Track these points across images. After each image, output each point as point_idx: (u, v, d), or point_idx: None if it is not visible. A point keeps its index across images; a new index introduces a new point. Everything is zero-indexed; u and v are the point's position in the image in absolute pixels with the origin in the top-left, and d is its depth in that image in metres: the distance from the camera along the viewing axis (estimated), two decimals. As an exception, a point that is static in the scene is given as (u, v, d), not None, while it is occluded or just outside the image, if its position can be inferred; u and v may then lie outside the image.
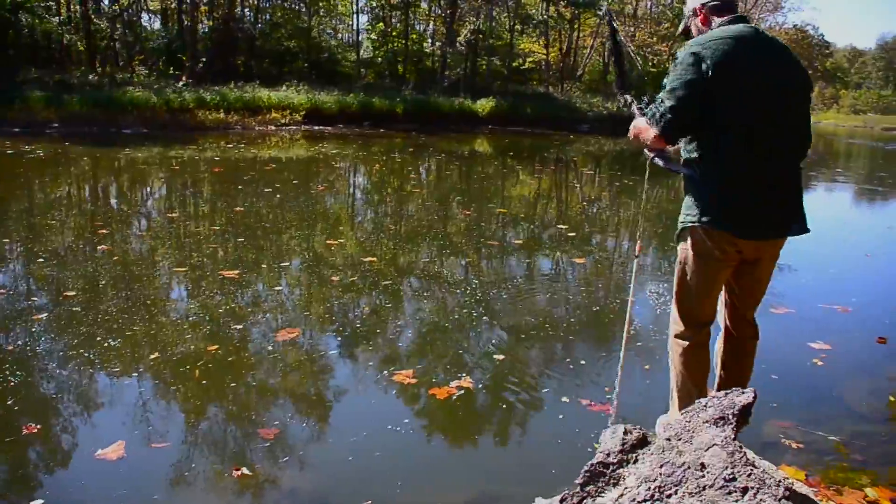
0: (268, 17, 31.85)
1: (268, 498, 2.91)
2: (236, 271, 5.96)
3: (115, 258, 6.32)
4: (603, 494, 1.87)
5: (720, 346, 3.06)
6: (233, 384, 3.86)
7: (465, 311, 5.28)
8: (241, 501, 2.87)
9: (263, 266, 6.33)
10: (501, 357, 4.39)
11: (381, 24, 34.83)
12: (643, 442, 2.00)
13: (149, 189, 11.24)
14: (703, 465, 1.80)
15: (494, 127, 27.84)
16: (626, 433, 2.01)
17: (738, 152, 2.59)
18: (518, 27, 35.76)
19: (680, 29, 2.98)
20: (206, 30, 29.41)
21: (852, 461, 3.23)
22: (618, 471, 1.92)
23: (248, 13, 31.34)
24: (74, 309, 4.88)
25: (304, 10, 32.28)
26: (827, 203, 13.32)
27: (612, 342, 4.91)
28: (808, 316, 5.50)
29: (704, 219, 2.66)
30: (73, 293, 5.21)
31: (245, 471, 3.02)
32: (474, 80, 32.79)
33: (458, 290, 5.80)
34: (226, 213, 8.74)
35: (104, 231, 7.39)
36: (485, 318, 5.18)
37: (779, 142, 2.64)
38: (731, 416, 1.98)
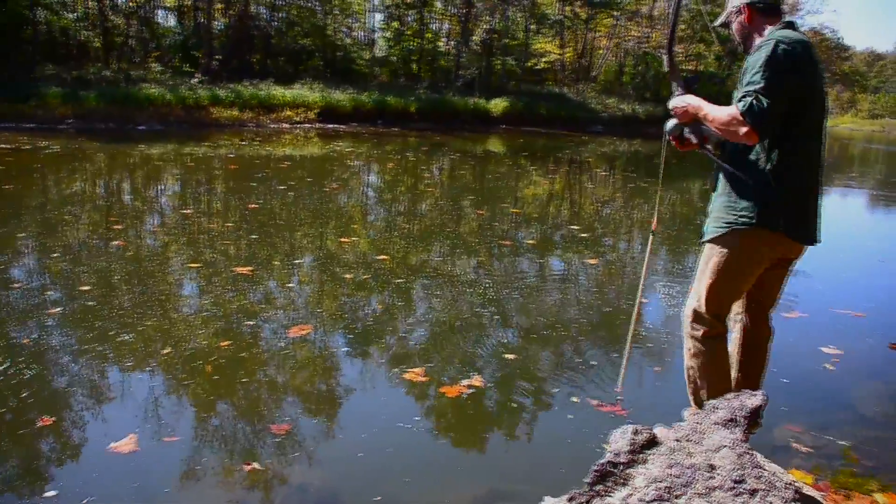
0: (283, 14, 31.94)
1: (278, 493, 2.93)
2: (249, 268, 5.99)
3: (130, 254, 6.38)
4: (612, 494, 1.88)
5: (737, 347, 3.06)
6: (244, 380, 3.89)
7: (476, 310, 5.30)
8: (252, 496, 2.89)
9: (276, 263, 6.36)
10: (512, 357, 4.39)
11: (395, 22, 34.85)
12: (652, 442, 2.01)
13: (163, 185, 11.31)
14: (712, 467, 1.81)
15: (508, 127, 27.83)
16: (635, 433, 2.02)
17: (804, 157, 2.64)
18: (533, 27, 35.71)
19: (720, 21, 2.96)
20: (222, 27, 29.53)
21: (862, 466, 3.21)
22: (627, 471, 1.93)
23: (264, 11, 31.43)
24: (89, 303, 4.93)
25: (319, 8, 32.35)
26: (841, 208, 13.23)
27: (623, 344, 4.90)
28: (820, 321, 5.48)
29: (763, 219, 2.64)
30: (87, 288, 5.26)
31: (256, 466, 3.05)
32: (489, 79, 32.75)
33: (469, 290, 5.81)
34: (239, 209, 8.78)
35: (119, 227, 7.46)
36: (496, 317, 5.19)
37: (821, 148, 2.74)
38: (741, 419, 1.98)
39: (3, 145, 13.62)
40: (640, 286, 3.48)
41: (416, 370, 4.08)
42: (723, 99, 2.86)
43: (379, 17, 36.85)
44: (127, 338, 4.34)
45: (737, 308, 3.03)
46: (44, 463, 3.07)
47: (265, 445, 3.26)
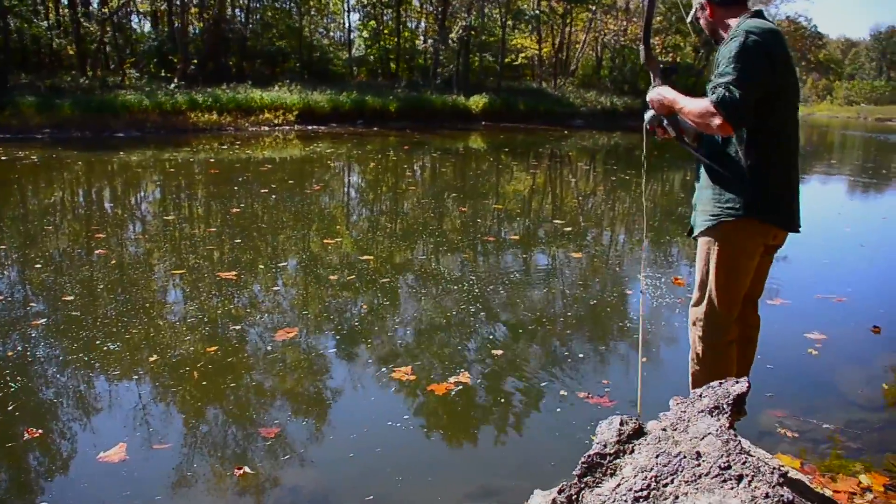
0: (258, 17, 31.82)
1: (270, 496, 2.94)
2: (233, 272, 5.98)
3: (113, 262, 6.34)
4: (600, 485, 1.90)
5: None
6: (232, 384, 3.88)
7: (462, 307, 5.31)
8: (244, 500, 2.90)
9: (261, 267, 6.35)
10: (499, 352, 4.42)
11: (372, 21, 34.84)
12: (639, 432, 2.03)
13: (144, 192, 11.24)
14: (698, 454, 1.83)
15: (488, 123, 27.89)
16: (622, 424, 2.04)
17: (782, 146, 2.66)
18: (510, 23, 35.77)
19: (689, 19, 2.98)
20: (197, 31, 29.37)
21: (847, 449, 3.27)
22: (615, 461, 1.95)
23: (239, 13, 31.31)
24: (73, 313, 4.90)
25: (294, 9, 32.25)
26: (822, 194, 13.37)
27: (609, 335, 4.95)
28: (803, 307, 5.54)
29: (750, 211, 2.65)
30: (71, 298, 5.22)
31: (247, 470, 3.05)
32: (467, 76, 32.81)
33: (455, 287, 5.82)
34: (222, 214, 8.75)
35: (101, 235, 7.41)
36: (482, 313, 5.21)
37: (796, 136, 2.76)
38: (725, 406, 2.01)
39: (-21, 157, 13.48)
40: (641, 310, 3.50)
41: (404, 369, 4.09)
42: (699, 90, 2.88)
43: (355, 16, 36.80)
44: (112, 346, 4.32)
45: None
46: (32, 476, 3.06)
47: (255, 449, 3.26)
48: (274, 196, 10.01)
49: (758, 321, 3.00)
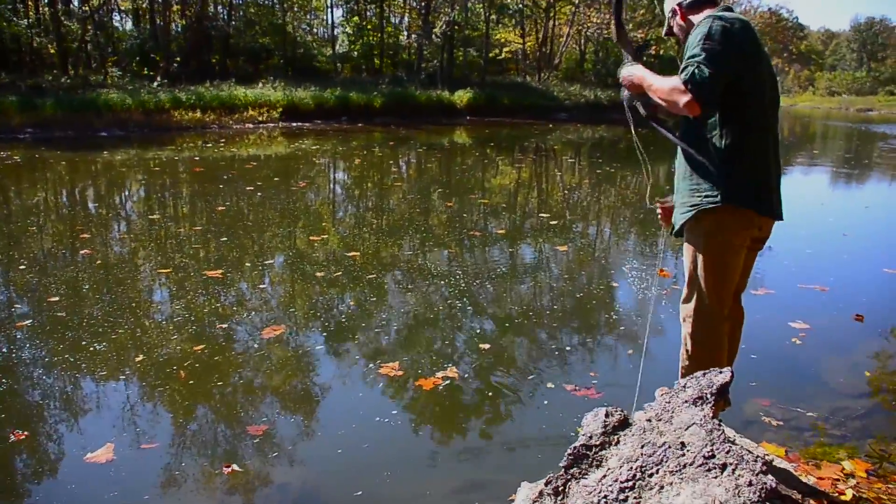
0: (241, 14, 31.64)
1: (259, 494, 2.94)
2: (220, 271, 5.96)
3: (98, 262, 6.30)
4: (587, 476, 1.92)
5: None
6: (220, 383, 3.88)
7: (449, 301, 5.32)
8: (233, 498, 2.90)
9: (247, 264, 6.33)
10: (486, 346, 4.43)
11: (355, 17, 34.71)
12: (624, 423, 2.05)
13: (128, 191, 11.17)
14: (683, 444, 1.85)
15: (473, 118, 27.89)
16: (607, 415, 2.06)
17: (758, 134, 2.64)
18: (494, 17, 35.78)
19: (665, 30, 2.97)
20: (180, 29, 29.18)
21: (830, 436, 3.31)
22: (601, 452, 1.97)
23: (222, 11, 31.11)
24: (59, 314, 4.87)
25: (277, 6, 32.10)
26: (805, 184, 13.47)
27: (596, 328, 4.97)
28: (787, 296, 5.59)
29: (728, 198, 2.63)
30: (56, 299, 5.19)
31: (235, 468, 3.05)
32: (451, 71, 32.80)
33: (441, 282, 5.83)
34: (207, 212, 8.71)
35: (86, 235, 7.36)
36: (469, 308, 5.23)
37: (774, 124, 2.75)
38: (709, 396, 2.03)
39: (-40, 158, 13.35)
40: (649, 319, 3.51)
41: (391, 364, 4.10)
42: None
43: (339, 12, 36.68)
44: (99, 347, 4.30)
45: None
46: (19, 478, 3.05)
47: (244, 447, 3.26)
48: (259, 194, 9.98)
49: (741, 314, 3.01)
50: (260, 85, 24.83)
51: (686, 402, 2.02)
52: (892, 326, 4.97)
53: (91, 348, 4.28)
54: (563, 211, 9.76)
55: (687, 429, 1.90)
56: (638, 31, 36.78)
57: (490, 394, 3.82)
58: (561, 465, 1.96)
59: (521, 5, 35.67)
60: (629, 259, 6.81)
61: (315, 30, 39.13)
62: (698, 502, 1.69)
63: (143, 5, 29.43)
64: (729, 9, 2.71)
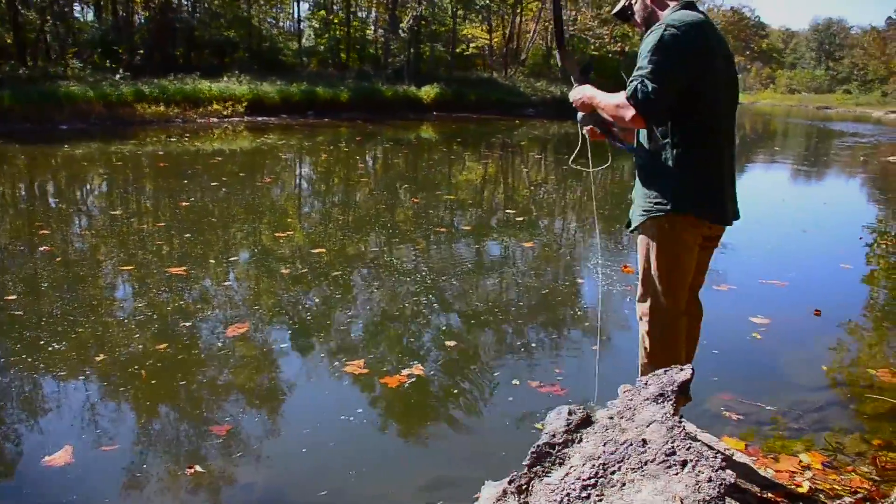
0: (206, 6, 31.20)
1: (223, 494, 2.91)
2: (184, 268, 5.88)
3: (58, 259, 6.18)
4: (550, 474, 1.93)
5: None
6: (183, 382, 3.83)
7: (415, 298, 5.32)
8: (196, 499, 2.86)
9: (211, 261, 6.26)
10: (452, 343, 4.44)
11: (322, 11, 34.47)
12: (587, 422, 2.07)
13: (90, 186, 10.97)
14: (644, 442, 1.87)
15: (440, 113, 27.89)
16: (570, 413, 2.07)
17: (708, 139, 2.66)
18: (461, 12, 35.77)
19: (617, 9, 2.95)
20: (143, 20, 28.70)
21: (788, 429, 3.37)
22: (564, 450, 1.99)
23: (186, 2, 30.68)
24: (16, 313, 4.77)
25: (243, -2, 31.75)
26: (766, 181, 13.70)
27: (561, 324, 5.01)
28: (748, 292, 5.68)
29: (678, 205, 2.65)
30: (13, 297, 5.08)
31: (198, 468, 3.01)
32: (418, 66, 32.74)
33: (407, 278, 5.83)
34: (171, 208, 8.60)
35: (45, 231, 7.21)
36: (435, 304, 5.23)
37: (729, 129, 2.77)
38: (670, 393, 2.06)
39: (-87, 151, 12.99)
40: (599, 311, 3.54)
41: (356, 362, 4.08)
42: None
43: (305, 6, 36.39)
44: (58, 346, 4.22)
45: None
46: (-25, 480, 2.98)
47: (207, 447, 3.22)
48: (224, 189, 9.87)
49: (699, 310, 3.05)
50: (225, 79, 24.53)
51: (648, 399, 2.05)
52: (849, 320, 5.08)
53: (50, 348, 4.20)
54: (529, 207, 9.81)
55: (648, 426, 1.92)
56: (604, 29, 37.08)
57: (455, 391, 3.83)
58: (524, 463, 1.98)
59: (487, 1, 35.70)
60: (594, 255, 6.86)
61: (281, 23, 38.83)
62: (659, 499, 1.71)
63: (105, -4, 28.89)
64: (691, 6, 2.71)
